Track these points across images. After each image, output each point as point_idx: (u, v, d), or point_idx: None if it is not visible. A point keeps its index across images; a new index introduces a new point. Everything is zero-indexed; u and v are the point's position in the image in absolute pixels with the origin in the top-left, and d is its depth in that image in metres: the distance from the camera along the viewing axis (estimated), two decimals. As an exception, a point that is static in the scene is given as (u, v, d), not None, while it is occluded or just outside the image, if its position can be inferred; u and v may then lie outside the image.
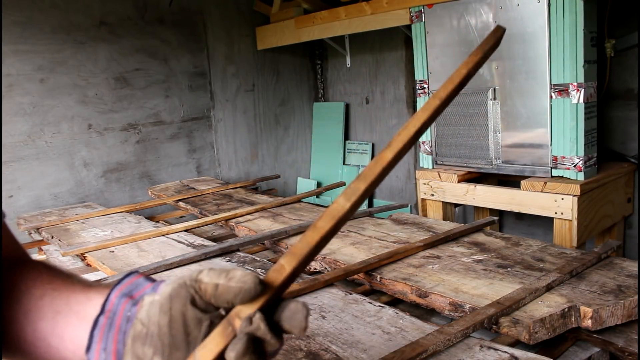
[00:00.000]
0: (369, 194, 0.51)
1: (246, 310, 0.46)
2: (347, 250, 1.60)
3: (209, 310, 0.48)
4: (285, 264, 0.47)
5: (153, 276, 1.47)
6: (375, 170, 0.52)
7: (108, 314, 0.49)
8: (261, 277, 0.46)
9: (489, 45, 0.60)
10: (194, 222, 2.01)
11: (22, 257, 0.59)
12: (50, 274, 0.55)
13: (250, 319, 0.45)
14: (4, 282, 0.53)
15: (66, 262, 1.78)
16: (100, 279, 1.44)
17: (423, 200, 2.44)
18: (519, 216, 2.71)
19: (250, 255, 1.63)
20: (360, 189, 0.50)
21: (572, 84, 1.90)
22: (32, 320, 0.52)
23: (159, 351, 0.46)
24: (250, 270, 1.49)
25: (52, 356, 0.52)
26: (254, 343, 0.44)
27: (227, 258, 1.61)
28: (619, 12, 2.17)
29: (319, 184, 3.69)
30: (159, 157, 3.10)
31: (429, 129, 2.42)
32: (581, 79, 1.88)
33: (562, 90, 1.93)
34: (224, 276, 0.46)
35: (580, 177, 1.95)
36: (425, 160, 2.46)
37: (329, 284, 1.34)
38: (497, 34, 0.61)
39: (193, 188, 2.76)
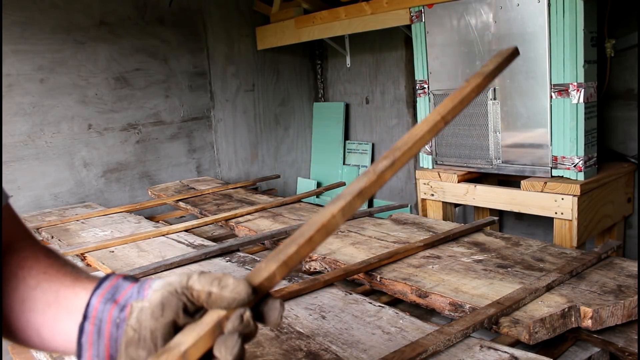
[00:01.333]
0: None
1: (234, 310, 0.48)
2: (347, 250, 1.60)
3: (197, 312, 0.49)
4: (277, 274, 0.49)
5: (153, 277, 1.47)
6: (373, 189, 0.54)
7: (93, 320, 0.50)
8: (252, 285, 0.48)
9: (502, 67, 0.61)
10: (194, 222, 2.01)
11: (25, 239, 0.60)
12: (46, 263, 0.56)
13: (241, 317, 0.47)
14: (5, 267, 0.55)
15: (66, 262, 1.78)
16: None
17: (423, 200, 2.44)
18: (519, 216, 2.71)
19: (250, 255, 1.63)
20: (356, 206, 0.53)
21: (572, 84, 1.90)
22: (26, 310, 0.53)
23: (152, 353, 0.47)
24: (250, 270, 1.49)
25: (46, 346, 0.54)
26: (242, 338, 0.47)
27: (227, 258, 1.61)
28: (619, 12, 2.17)
29: (319, 184, 3.69)
30: (159, 157, 3.10)
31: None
32: (581, 79, 1.88)
33: (562, 90, 1.93)
34: (217, 284, 0.47)
35: (580, 177, 1.95)
36: (425, 160, 2.46)
37: (329, 284, 1.33)
38: (512, 58, 0.62)
39: (193, 188, 2.76)
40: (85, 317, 0.50)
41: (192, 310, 0.49)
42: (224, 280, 0.47)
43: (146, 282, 0.52)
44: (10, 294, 0.54)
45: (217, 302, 0.47)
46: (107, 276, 0.53)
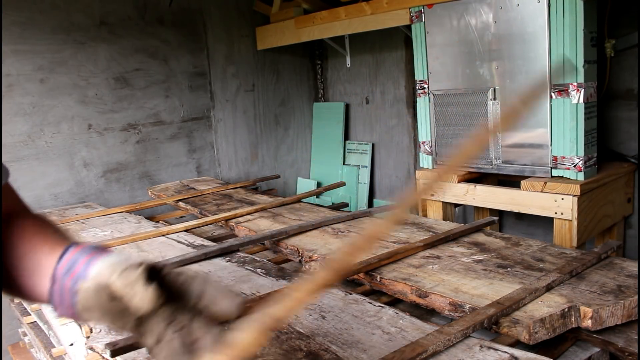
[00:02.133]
0: None
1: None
2: (347, 250, 1.60)
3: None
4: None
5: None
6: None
7: (57, 287, 0.59)
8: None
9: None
10: (194, 222, 2.01)
11: (22, 213, 0.67)
12: (35, 231, 0.64)
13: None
14: (4, 239, 0.63)
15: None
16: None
17: (423, 200, 2.44)
18: (519, 216, 2.71)
19: (250, 256, 1.63)
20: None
21: (572, 84, 1.90)
22: (20, 275, 0.62)
23: (103, 317, 0.56)
24: (250, 270, 1.49)
25: (44, 302, 0.63)
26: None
27: (227, 258, 1.61)
28: (619, 12, 2.17)
29: (319, 184, 3.68)
30: (159, 157, 3.10)
31: (428, 130, 2.42)
32: (581, 79, 1.88)
33: (562, 90, 1.93)
34: (130, 288, 0.54)
35: (580, 177, 1.95)
36: (425, 160, 2.46)
37: (329, 284, 1.33)
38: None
39: (193, 188, 2.76)
40: (53, 282, 0.59)
41: (120, 299, 0.56)
42: (136, 287, 0.55)
43: (94, 259, 0.59)
44: (9, 261, 0.62)
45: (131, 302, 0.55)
46: (68, 248, 0.61)
